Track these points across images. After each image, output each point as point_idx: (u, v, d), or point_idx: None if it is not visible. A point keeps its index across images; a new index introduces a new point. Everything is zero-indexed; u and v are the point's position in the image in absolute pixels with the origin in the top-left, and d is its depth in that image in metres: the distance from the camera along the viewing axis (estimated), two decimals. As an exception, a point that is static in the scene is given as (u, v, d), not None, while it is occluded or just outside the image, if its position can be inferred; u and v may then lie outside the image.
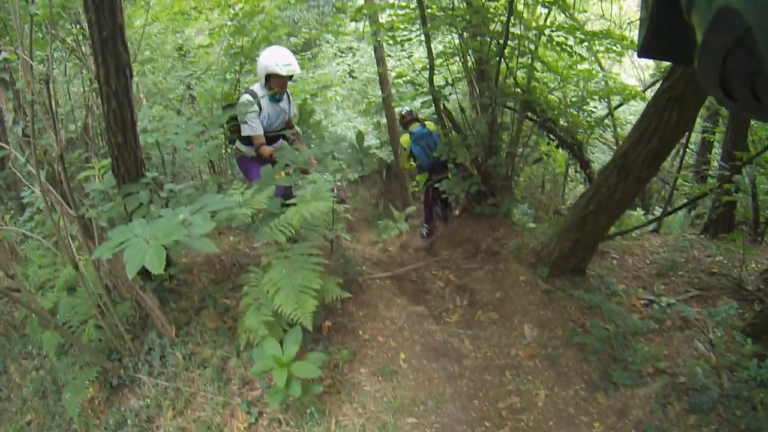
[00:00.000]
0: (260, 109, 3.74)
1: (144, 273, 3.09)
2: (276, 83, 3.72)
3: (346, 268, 3.78)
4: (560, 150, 5.40)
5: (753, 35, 0.37)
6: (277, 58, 3.62)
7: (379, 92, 9.28)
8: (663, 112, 2.86)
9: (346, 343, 3.11)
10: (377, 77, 9.18)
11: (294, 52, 7.33)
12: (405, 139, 5.40)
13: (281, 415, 2.66)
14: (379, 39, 6.50)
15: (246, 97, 3.69)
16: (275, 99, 3.81)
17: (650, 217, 5.60)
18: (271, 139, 3.92)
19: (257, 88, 3.78)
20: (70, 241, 2.74)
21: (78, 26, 4.59)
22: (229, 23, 5.11)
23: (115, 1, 2.60)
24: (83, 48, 4.59)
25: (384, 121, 10.05)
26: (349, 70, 11.47)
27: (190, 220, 2.25)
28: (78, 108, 5.26)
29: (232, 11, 4.94)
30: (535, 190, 6.49)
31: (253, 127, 3.73)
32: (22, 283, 2.86)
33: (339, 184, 3.96)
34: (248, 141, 3.85)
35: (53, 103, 2.41)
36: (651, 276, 3.95)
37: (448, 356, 3.13)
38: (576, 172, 5.90)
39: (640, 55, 0.61)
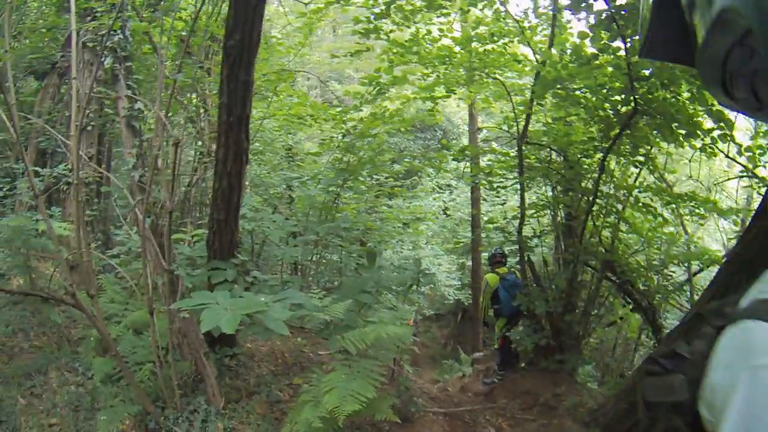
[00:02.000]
0: None
1: (210, 344, 3.21)
2: None
3: (403, 394, 3.72)
4: (635, 314, 5.18)
5: (753, 36, 0.37)
6: None
7: (470, 234, 9.38)
8: (733, 277, 2.78)
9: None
10: (470, 219, 9.34)
11: (395, 179, 7.40)
12: (492, 278, 5.33)
13: None
14: (476, 181, 6.83)
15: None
16: None
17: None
18: None
19: None
20: (152, 290, 2.93)
21: (201, 100, 5.03)
22: (340, 138, 5.55)
23: (248, 92, 2.88)
24: (202, 123, 5.02)
25: (469, 263, 10.06)
26: (443, 207, 11.73)
27: (270, 305, 2.39)
28: (182, 175, 5.42)
29: (344, 127, 5.37)
30: (605, 353, 6.09)
31: None
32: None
33: (414, 316, 3.84)
34: None
35: (177, 165, 2.70)
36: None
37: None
38: (647, 337, 5.50)
39: (641, 56, 0.60)
